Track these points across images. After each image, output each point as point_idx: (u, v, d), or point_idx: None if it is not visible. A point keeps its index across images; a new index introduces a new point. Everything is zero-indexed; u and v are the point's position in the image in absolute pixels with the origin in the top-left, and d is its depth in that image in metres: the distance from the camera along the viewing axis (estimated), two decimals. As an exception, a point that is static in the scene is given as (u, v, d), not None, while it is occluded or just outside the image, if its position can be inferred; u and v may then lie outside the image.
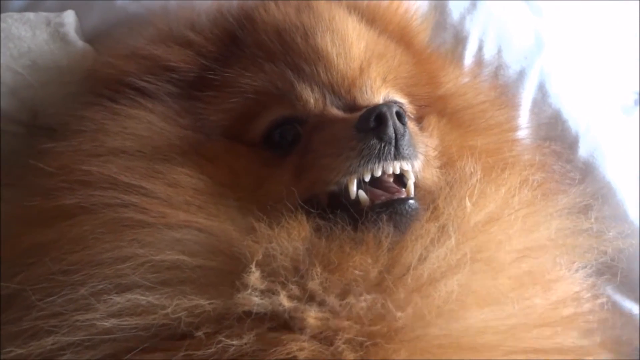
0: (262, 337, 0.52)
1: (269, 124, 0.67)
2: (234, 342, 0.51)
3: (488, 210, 0.61)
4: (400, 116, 0.60)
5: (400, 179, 0.62)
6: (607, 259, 0.71)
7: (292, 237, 0.57)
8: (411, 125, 0.66)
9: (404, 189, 0.61)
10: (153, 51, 0.71)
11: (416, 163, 0.63)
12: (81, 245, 0.58)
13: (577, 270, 0.66)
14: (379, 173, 0.60)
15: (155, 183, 0.60)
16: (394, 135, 0.60)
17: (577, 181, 0.85)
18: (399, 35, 0.81)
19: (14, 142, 0.77)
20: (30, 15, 0.79)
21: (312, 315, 0.52)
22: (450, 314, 0.53)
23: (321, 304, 0.53)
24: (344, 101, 0.68)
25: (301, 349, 0.50)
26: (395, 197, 0.60)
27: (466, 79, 0.86)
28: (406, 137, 0.61)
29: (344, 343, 0.51)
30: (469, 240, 0.58)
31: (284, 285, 0.54)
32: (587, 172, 0.91)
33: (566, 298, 0.62)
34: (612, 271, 0.80)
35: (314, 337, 0.52)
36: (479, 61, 0.95)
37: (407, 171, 0.62)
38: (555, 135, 0.92)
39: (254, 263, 0.54)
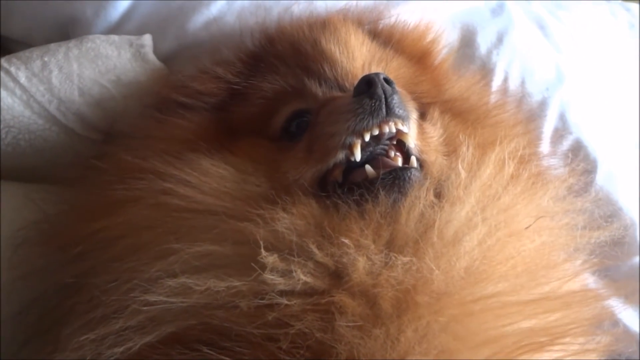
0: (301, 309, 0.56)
1: (285, 117, 0.76)
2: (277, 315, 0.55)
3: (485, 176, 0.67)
4: (388, 81, 0.67)
5: (406, 160, 0.68)
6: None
7: (296, 215, 0.62)
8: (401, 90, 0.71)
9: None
10: (191, 83, 0.82)
11: (411, 126, 0.69)
12: (129, 231, 0.65)
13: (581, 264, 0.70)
14: (375, 131, 0.66)
15: (189, 172, 0.67)
16: (383, 94, 0.66)
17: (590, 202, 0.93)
18: (414, 53, 0.89)
19: (90, 147, 0.86)
20: (115, 37, 0.89)
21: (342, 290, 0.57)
22: (477, 275, 0.58)
23: (340, 274, 0.58)
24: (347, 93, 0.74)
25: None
26: (399, 166, 0.66)
27: (470, 85, 0.92)
28: (395, 97, 0.67)
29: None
30: (474, 201, 0.63)
31: (298, 262, 0.58)
32: (602, 195, 0.96)
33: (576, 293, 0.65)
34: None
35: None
36: (504, 90, 1.02)
37: (404, 134, 0.68)
38: (576, 159, 0.96)
39: (262, 246, 0.58)
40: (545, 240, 0.66)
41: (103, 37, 0.89)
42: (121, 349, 0.57)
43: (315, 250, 0.59)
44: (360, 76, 0.73)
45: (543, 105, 1.03)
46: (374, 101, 0.66)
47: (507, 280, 0.60)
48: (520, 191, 0.68)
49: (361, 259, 0.58)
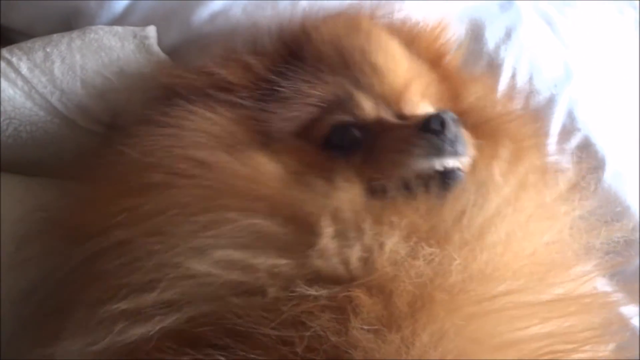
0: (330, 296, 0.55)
1: (330, 127, 0.75)
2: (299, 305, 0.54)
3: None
4: (455, 121, 0.69)
5: None
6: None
7: (350, 194, 0.63)
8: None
9: None
10: (218, 70, 0.78)
11: (465, 160, 0.71)
12: (170, 207, 0.63)
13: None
14: (441, 168, 0.68)
15: (236, 163, 0.67)
16: (453, 137, 0.68)
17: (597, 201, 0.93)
18: (430, 57, 0.88)
19: (91, 139, 0.84)
20: (119, 28, 0.88)
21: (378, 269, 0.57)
22: (491, 271, 0.58)
23: (383, 259, 0.57)
24: (392, 111, 0.76)
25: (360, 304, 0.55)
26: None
27: (483, 92, 0.92)
28: (460, 137, 0.69)
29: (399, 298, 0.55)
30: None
31: (352, 242, 0.58)
32: (609, 194, 0.96)
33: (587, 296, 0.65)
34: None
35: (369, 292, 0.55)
36: (511, 87, 1.01)
37: (459, 167, 0.70)
38: (585, 157, 0.97)
39: (322, 222, 0.59)
40: (556, 237, 0.66)
41: (106, 28, 0.88)
42: (146, 326, 0.56)
43: (368, 231, 0.59)
44: (403, 93, 0.76)
45: (551, 102, 1.01)
46: (443, 142, 0.68)
47: (518, 278, 0.59)
48: (536, 195, 0.70)
49: (390, 242, 0.58)
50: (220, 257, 0.58)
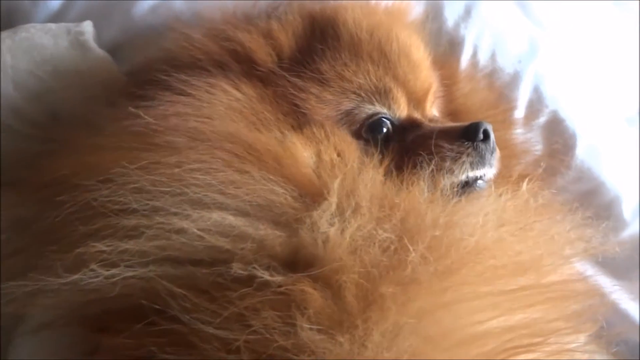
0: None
1: (366, 116, 0.73)
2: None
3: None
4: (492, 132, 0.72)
5: None
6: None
7: (370, 180, 0.61)
8: None
9: None
10: (235, 35, 0.73)
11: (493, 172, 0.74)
12: (186, 163, 0.58)
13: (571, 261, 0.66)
14: (478, 175, 0.71)
15: (267, 139, 0.64)
16: (493, 148, 0.72)
17: (570, 178, 0.90)
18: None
19: (26, 143, 0.79)
20: (52, 25, 0.84)
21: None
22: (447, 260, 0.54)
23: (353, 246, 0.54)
24: (419, 111, 0.78)
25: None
26: None
27: (465, 85, 0.91)
28: (495, 150, 0.72)
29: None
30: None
31: (344, 222, 0.55)
32: (583, 170, 0.93)
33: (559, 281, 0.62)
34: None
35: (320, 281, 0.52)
36: (474, 65, 0.98)
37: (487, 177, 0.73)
38: (554, 134, 0.95)
39: (330, 197, 0.57)
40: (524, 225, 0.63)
41: (38, 26, 0.84)
42: (113, 271, 0.53)
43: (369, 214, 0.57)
44: (427, 94, 0.78)
45: (516, 78, 0.98)
46: (488, 153, 0.71)
47: (477, 267, 0.56)
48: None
49: (352, 226, 0.55)
50: (217, 220, 0.55)
